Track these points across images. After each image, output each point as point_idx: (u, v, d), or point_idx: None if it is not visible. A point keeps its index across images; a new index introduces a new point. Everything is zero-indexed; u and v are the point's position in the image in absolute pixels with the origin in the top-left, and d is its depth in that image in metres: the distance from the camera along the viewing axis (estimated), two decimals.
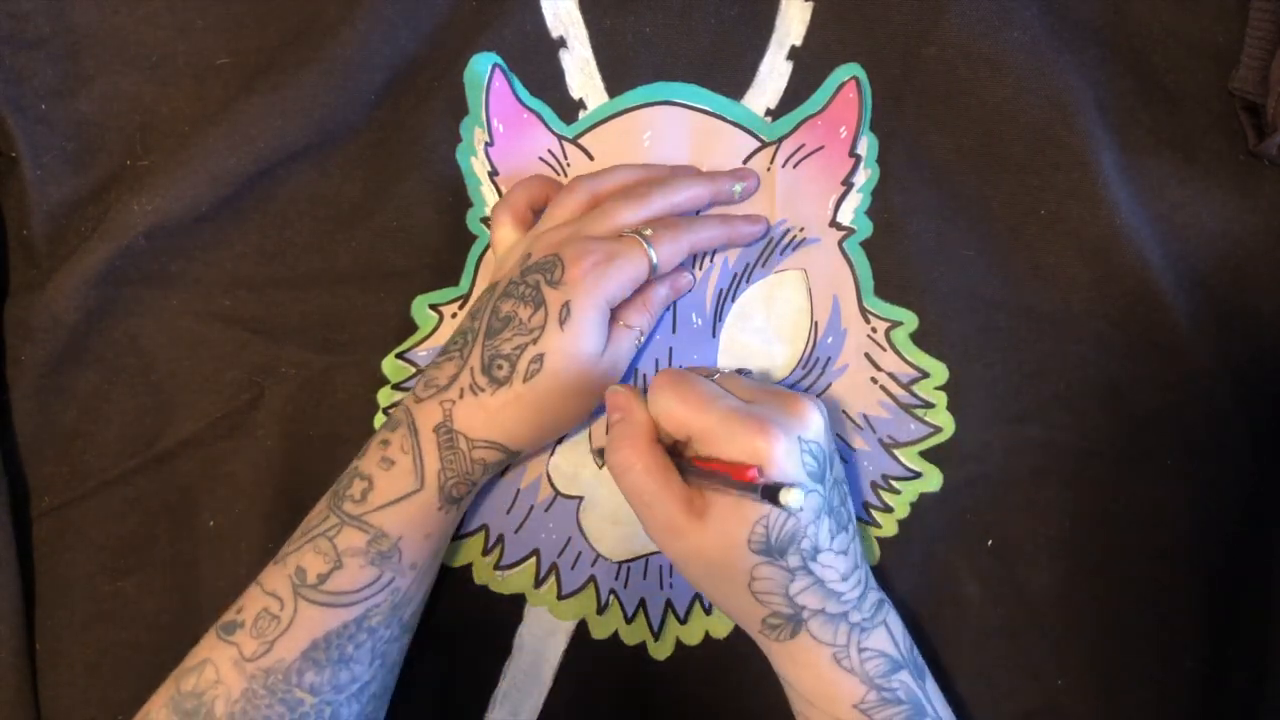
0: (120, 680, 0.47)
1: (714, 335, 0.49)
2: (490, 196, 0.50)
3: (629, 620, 0.49)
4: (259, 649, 0.40)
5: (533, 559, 0.49)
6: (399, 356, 0.49)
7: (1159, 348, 0.49)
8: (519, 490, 0.49)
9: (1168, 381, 0.49)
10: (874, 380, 0.49)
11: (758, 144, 0.50)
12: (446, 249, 0.49)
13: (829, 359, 0.49)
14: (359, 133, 0.49)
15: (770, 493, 0.38)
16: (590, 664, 0.48)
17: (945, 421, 0.49)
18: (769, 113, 0.50)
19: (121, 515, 0.48)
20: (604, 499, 0.49)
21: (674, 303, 0.49)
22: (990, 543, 0.49)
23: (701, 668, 0.48)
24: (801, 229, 0.50)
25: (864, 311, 0.49)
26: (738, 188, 0.49)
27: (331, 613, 0.41)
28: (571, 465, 0.49)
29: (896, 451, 0.49)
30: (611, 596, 0.49)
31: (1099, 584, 0.49)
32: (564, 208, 0.47)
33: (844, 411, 0.49)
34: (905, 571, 0.49)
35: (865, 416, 0.49)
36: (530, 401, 0.43)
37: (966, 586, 0.49)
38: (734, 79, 0.50)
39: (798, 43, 0.50)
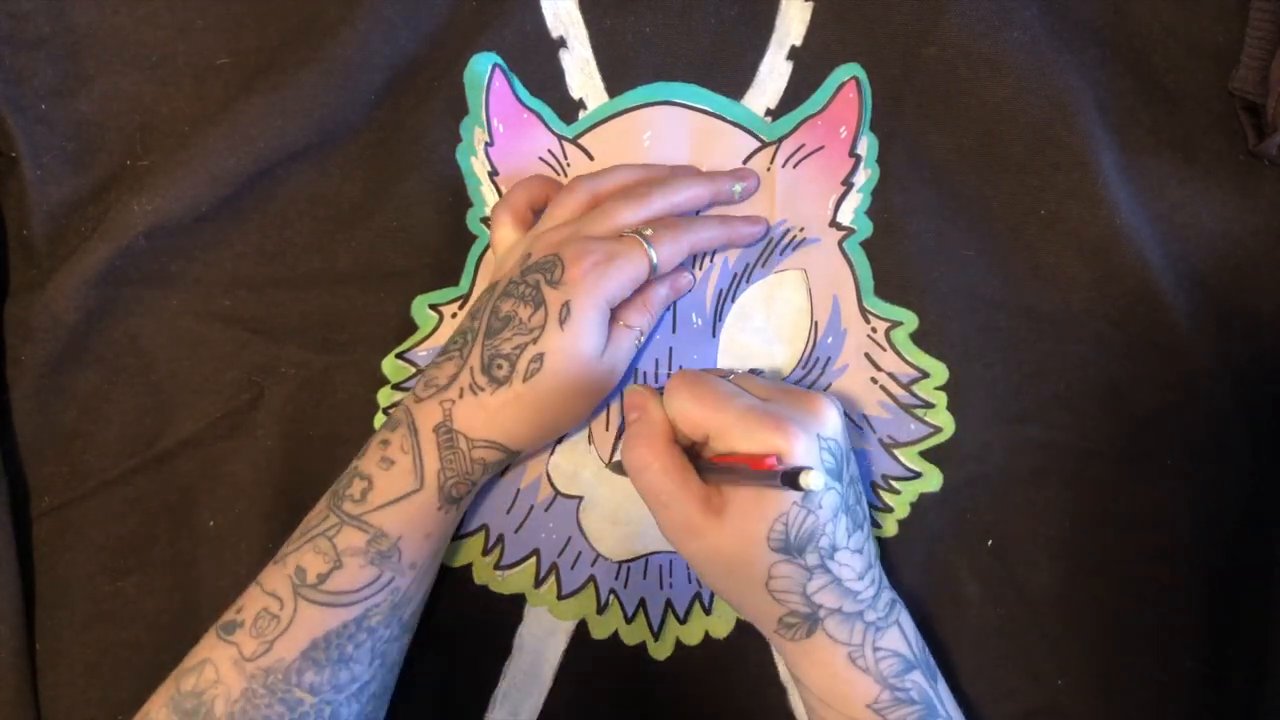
0: (120, 680, 0.47)
1: (714, 335, 0.49)
2: (490, 196, 0.50)
3: (629, 620, 0.49)
4: (259, 649, 0.40)
5: (533, 559, 0.49)
6: (399, 356, 0.49)
7: (1159, 348, 0.49)
8: (519, 490, 0.49)
9: (1168, 381, 0.49)
10: (874, 380, 0.49)
11: (758, 144, 0.50)
12: (446, 249, 0.49)
13: (829, 359, 0.49)
14: (359, 133, 0.49)
15: (790, 478, 0.37)
16: (590, 664, 0.48)
17: (945, 421, 0.49)
18: (769, 113, 0.50)
19: (121, 515, 0.48)
20: (604, 499, 0.49)
21: (674, 303, 0.49)
22: (990, 543, 0.49)
23: (701, 668, 0.48)
24: (801, 229, 0.50)
25: (864, 311, 0.49)
26: (738, 188, 0.49)
27: (331, 612, 0.41)
28: (571, 465, 0.49)
29: (896, 451, 0.49)
30: (611, 596, 0.49)
31: (1099, 584, 0.49)
32: (564, 208, 0.47)
33: (844, 411, 0.49)
34: (905, 571, 0.49)
35: (865, 416, 0.49)
36: (530, 401, 0.43)
37: (966, 586, 0.49)
38: (734, 79, 0.50)
39: (798, 43, 0.50)
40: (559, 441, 0.49)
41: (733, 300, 0.49)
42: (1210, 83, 0.50)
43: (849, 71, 0.50)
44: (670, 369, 0.49)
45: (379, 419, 0.49)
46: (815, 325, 0.50)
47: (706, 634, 0.49)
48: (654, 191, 0.47)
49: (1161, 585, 0.49)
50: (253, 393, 0.49)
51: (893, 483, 0.49)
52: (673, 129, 0.50)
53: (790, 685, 0.48)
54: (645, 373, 0.49)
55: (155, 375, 0.48)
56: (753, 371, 0.47)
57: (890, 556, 0.49)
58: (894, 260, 0.49)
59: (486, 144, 0.50)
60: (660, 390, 0.45)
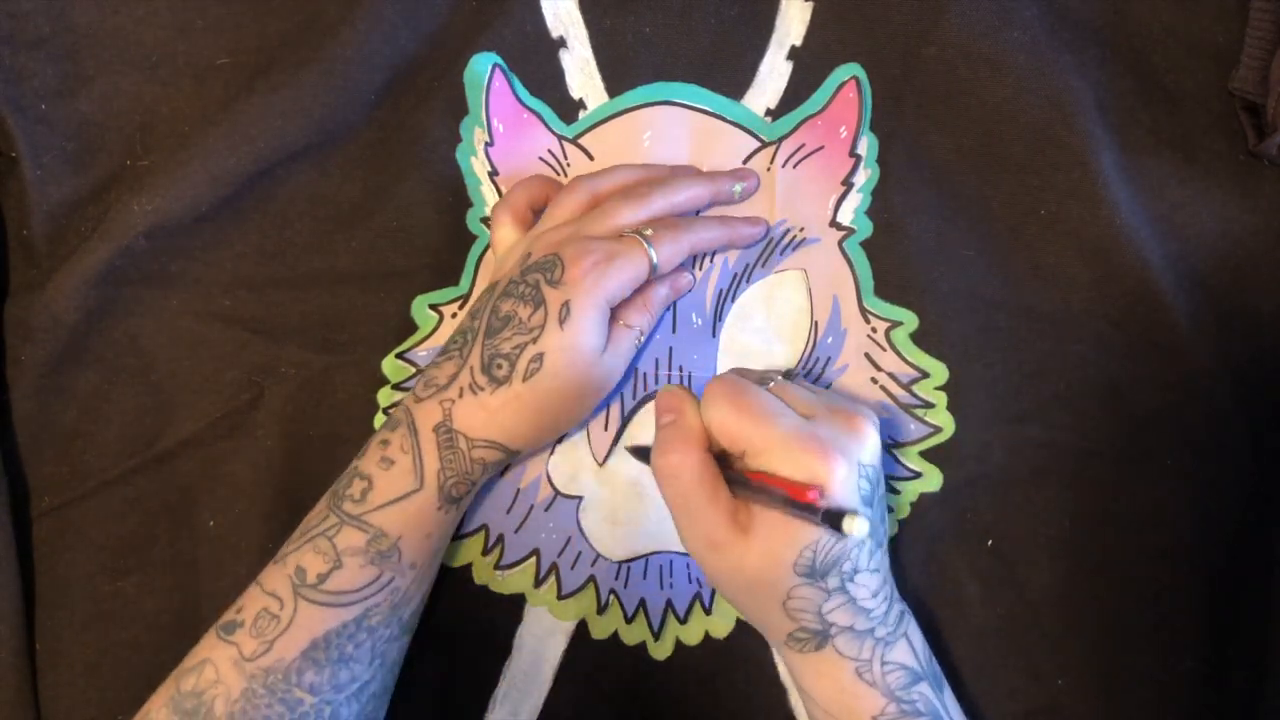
0: (120, 680, 0.47)
1: (714, 335, 0.49)
2: (490, 196, 0.50)
3: (629, 620, 0.49)
4: (259, 648, 0.40)
5: (533, 559, 0.49)
6: (399, 356, 0.49)
7: (1159, 348, 0.49)
8: (519, 490, 0.49)
9: (1168, 381, 0.49)
10: (874, 380, 0.49)
11: (758, 144, 0.50)
12: (446, 249, 0.49)
13: (829, 359, 0.49)
14: (359, 133, 0.49)
15: (832, 518, 0.37)
16: (590, 664, 0.48)
17: (945, 421, 0.49)
18: (769, 113, 0.50)
19: (121, 515, 0.48)
20: (604, 499, 0.49)
21: (674, 303, 0.49)
22: (990, 543, 0.49)
23: (701, 668, 0.48)
24: (801, 229, 0.50)
25: (864, 311, 0.49)
26: (738, 188, 0.49)
27: (331, 612, 0.41)
28: (571, 465, 0.49)
29: (896, 452, 0.49)
30: (611, 596, 0.49)
31: (1099, 584, 0.49)
32: (564, 208, 0.47)
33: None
34: (905, 571, 0.49)
35: None
36: (530, 401, 0.43)
37: (966, 586, 0.49)
38: (734, 79, 0.50)
39: (798, 43, 0.50)
40: (559, 441, 0.49)
41: (733, 300, 0.49)
42: (1210, 83, 0.50)
43: (849, 71, 0.50)
44: (670, 369, 0.49)
45: (379, 419, 0.49)
46: (815, 325, 0.50)
47: (706, 634, 0.49)
48: (654, 191, 0.47)
49: (1161, 585, 0.49)
50: (253, 393, 0.49)
51: (893, 483, 0.49)
52: (673, 129, 0.50)
53: (790, 685, 0.48)
54: (645, 373, 0.49)
55: (155, 375, 0.48)
56: (788, 374, 0.46)
57: (890, 556, 0.49)
58: (894, 260, 0.49)
59: (486, 144, 0.50)
60: (685, 391, 0.45)
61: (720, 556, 0.41)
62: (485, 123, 0.49)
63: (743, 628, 0.49)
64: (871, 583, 0.41)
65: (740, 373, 0.46)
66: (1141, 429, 0.49)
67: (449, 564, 0.48)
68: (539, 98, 0.50)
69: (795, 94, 0.50)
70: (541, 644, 0.48)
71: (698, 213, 0.49)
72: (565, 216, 0.46)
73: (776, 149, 0.50)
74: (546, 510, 0.49)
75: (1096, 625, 0.48)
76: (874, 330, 0.49)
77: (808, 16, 0.50)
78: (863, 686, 0.41)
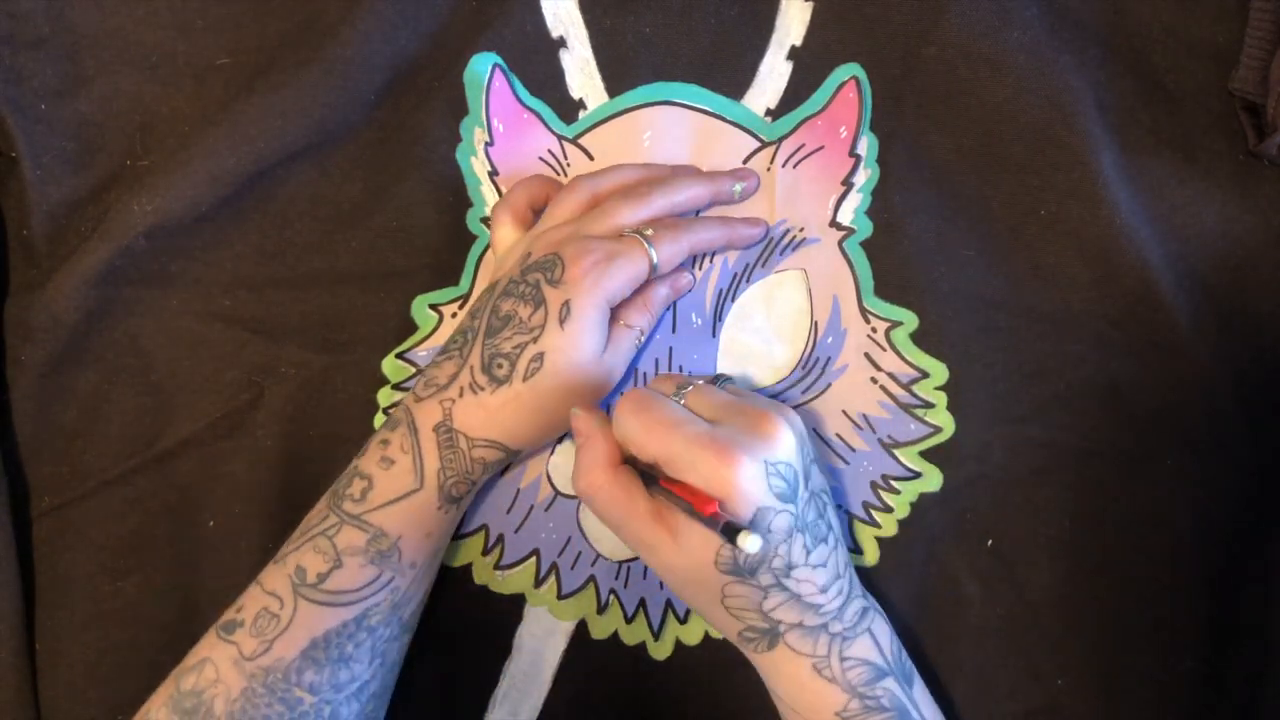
0: (120, 680, 0.47)
1: (714, 335, 0.49)
2: (490, 196, 0.50)
3: (629, 620, 0.49)
4: (258, 648, 0.40)
5: (533, 559, 0.49)
6: (399, 356, 0.49)
7: (1159, 348, 0.49)
8: (519, 490, 0.49)
9: (1168, 381, 0.49)
10: (874, 380, 0.49)
11: (758, 144, 0.50)
12: (446, 249, 0.49)
13: (829, 359, 0.49)
14: (359, 133, 0.49)
15: (730, 531, 0.37)
16: (590, 664, 0.48)
17: (945, 421, 0.49)
18: (769, 113, 0.50)
19: (121, 515, 0.48)
20: None
21: (674, 303, 0.49)
22: (990, 543, 0.49)
23: (701, 668, 0.48)
24: (801, 229, 0.50)
25: (864, 311, 0.49)
26: (738, 188, 0.49)
27: (331, 612, 0.41)
28: (571, 465, 0.48)
29: (896, 451, 0.49)
30: (611, 596, 0.49)
31: (1099, 584, 0.49)
32: (564, 207, 0.47)
33: (844, 411, 0.49)
34: (905, 571, 0.49)
35: (865, 416, 0.49)
36: (530, 400, 0.43)
37: (966, 586, 0.49)
38: (734, 79, 0.50)
39: (798, 43, 0.50)
40: (559, 441, 0.49)
41: (733, 300, 0.49)
42: (1210, 83, 0.50)
43: (849, 71, 0.50)
44: (670, 369, 0.49)
45: (379, 419, 0.49)
46: (815, 325, 0.50)
47: (706, 634, 0.49)
48: (654, 191, 0.47)
49: (1161, 585, 0.49)
50: (253, 393, 0.49)
51: (893, 483, 0.49)
52: (673, 129, 0.50)
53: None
54: (645, 373, 0.49)
55: (155, 375, 0.48)
56: (718, 379, 0.46)
57: (890, 556, 0.49)
58: (894, 260, 0.49)
59: (486, 144, 0.50)
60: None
61: (654, 557, 0.41)
62: (485, 123, 0.49)
63: None
64: (817, 578, 0.41)
65: (660, 380, 0.46)
66: (1141, 429, 0.49)
67: (449, 564, 0.48)
68: (539, 98, 0.50)
69: (795, 94, 0.50)
70: (541, 644, 0.48)
71: (698, 213, 0.49)
72: (565, 216, 0.46)
73: (776, 149, 0.50)
74: (546, 510, 0.49)
75: (1096, 625, 0.48)
76: (874, 330, 0.49)
77: (808, 16, 0.50)
78: (821, 683, 0.41)
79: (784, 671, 0.42)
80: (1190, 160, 0.50)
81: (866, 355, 0.49)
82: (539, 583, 0.49)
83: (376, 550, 0.42)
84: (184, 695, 0.40)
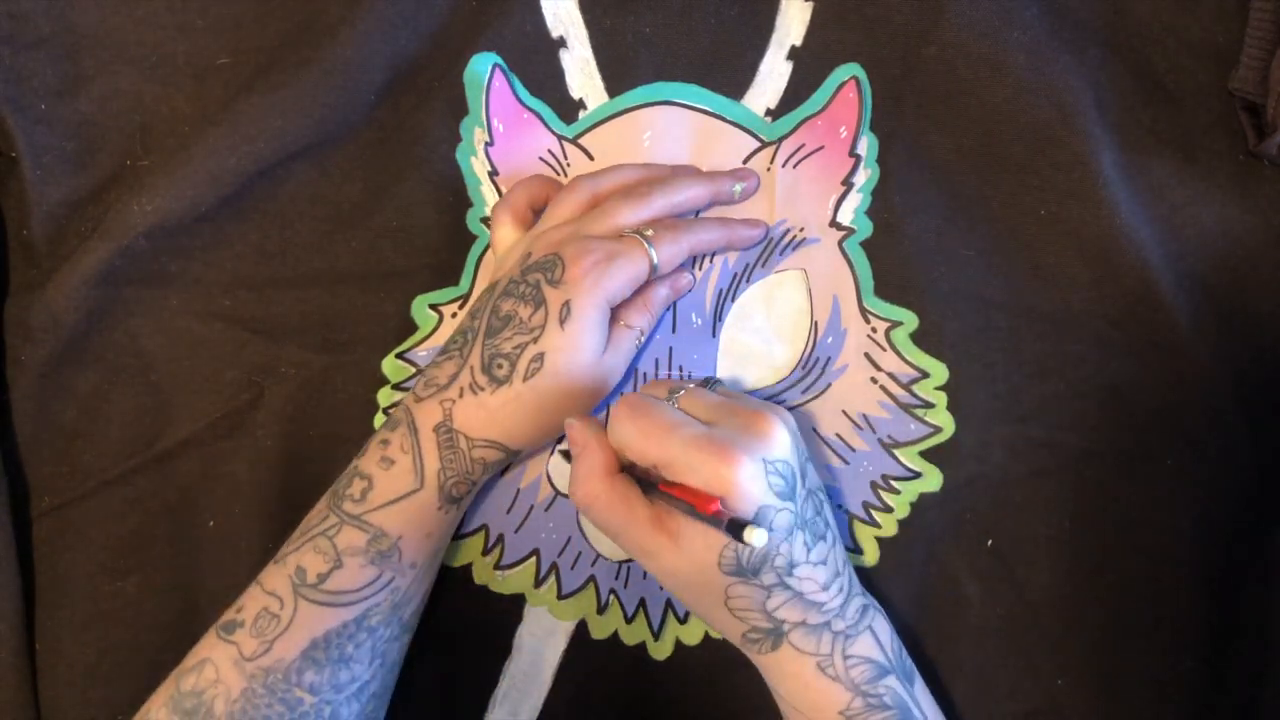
0: (120, 680, 0.47)
1: (714, 335, 0.49)
2: (490, 196, 0.50)
3: (629, 620, 0.49)
4: (259, 648, 0.40)
5: (533, 559, 0.49)
6: (399, 356, 0.49)
7: (1159, 348, 0.49)
8: (519, 490, 0.49)
9: (1168, 381, 0.49)
10: (874, 380, 0.49)
11: (758, 144, 0.50)
12: (446, 249, 0.49)
13: (829, 359, 0.49)
14: (359, 133, 0.49)
15: (735, 528, 0.37)
16: (590, 664, 0.48)
17: (945, 421, 0.49)
18: (769, 113, 0.50)
19: (121, 515, 0.48)
20: None
21: (674, 303, 0.49)
22: (990, 543, 0.49)
23: (701, 668, 0.48)
24: (801, 229, 0.50)
25: (864, 311, 0.49)
26: (738, 188, 0.49)
27: (331, 612, 0.41)
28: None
29: (896, 451, 0.49)
30: (611, 596, 0.49)
31: (1099, 584, 0.49)
32: (564, 207, 0.47)
33: (844, 411, 0.49)
34: (905, 571, 0.49)
35: (865, 416, 0.49)
36: (530, 401, 0.43)
37: (966, 586, 0.49)
38: (734, 79, 0.50)
39: (798, 43, 0.50)
40: (559, 441, 0.49)
41: (733, 300, 0.49)
42: (1210, 83, 0.50)
43: (849, 71, 0.50)
44: (670, 369, 0.49)
45: (379, 419, 0.49)
46: (815, 325, 0.50)
47: (706, 634, 0.49)
48: (654, 191, 0.47)
49: (1161, 585, 0.49)
50: (253, 393, 0.49)
51: (893, 482, 0.49)
52: (673, 129, 0.50)
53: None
54: (645, 373, 0.49)
55: (155, 375, 0.48)
56: (706, 382, 0.46)
57: (890, 556, 0.49)
58: (894, 260, 0.49)
59: (486, 144, 0.50)
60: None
61: (655, 563, 0.41)
62: (485, 123, 0.49)
63: None
64: (818, 576, 0.41)
65: (652, 386, 0.46)
66: (1141, 429, 0.49)
67: (449, 564, 0.48)
68: (539, 98, 0.50)
69: (795, 94, 0.50)
70: (541, 644, 0.48)
71: (698, 213, 0.49)
72: (565, 216, 0.46)
73: (776, 149, 0.50)
74: (546, 510, 0.49)
75: (1096, 625, 0.49)
76: (874, 330, 0.49)
77: (808, 16, 0.50)
78: (826, 681, 0.41)
79: (788, 671, 0.42)
80: (1190, 160, 0.50)
81: (866, 355, 0.49)
82: (539, 583, 0.49)
83: (377, 550, 0.42)
84: (184, 695, 0.40)
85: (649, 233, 0.45)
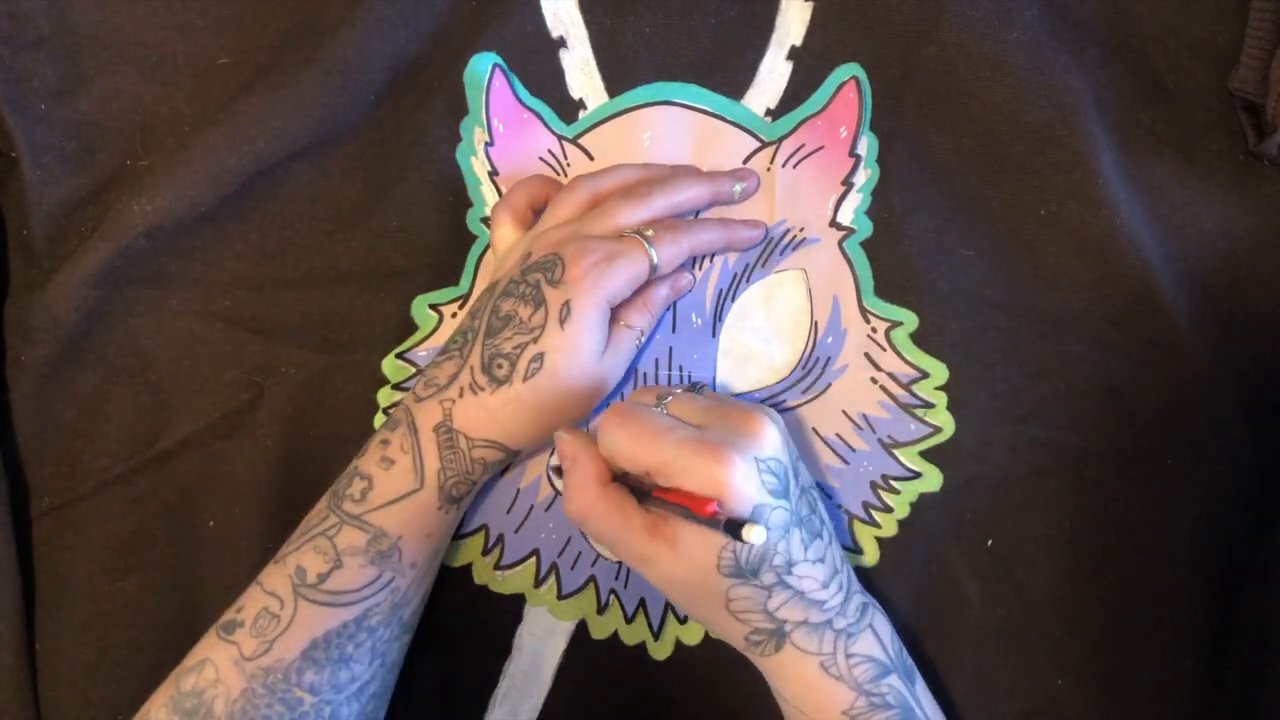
0: (120, 680, 0.47)
1: (714, 335, 0.49)
2: (490, 196, 0.50)
3: (629, 620, 0.49)
4: (259, 648, 0.40)
5: (533, 559, 0.49)
6: (399, 356, 0.49)
7: (1159, 348, 0.49)
8: (519, 490, 0.49)
9: (1168, 381, 0.49)
10: (874, 380, 0.49)
11: (758, 144, 0.50)
12: (446, 249, 0.49)
13: (829, 359, 0.49)
14: (359, 133, 0.49)
15: (733, 528, 0.37)
16: (590, 664, 0.48)
17: (945, 421, 0.49)
18: (769, 113, 0.50)
19: (121, 515, 0.48)
20: None
21: (674, 303, 0.49)
22: (990, 543, 0.49)
23: (701, 668, 0.48)
24: (801, 229, 0.50)
25: (864, 311, 0.49)
26: (738, 188, 0.49)
27: (331, 612, 0.41)
28: None
29: (896, 451, 0.49)
30: (611, 596, 0.49)
31: (1099, 584, 0.49)
32: (564, 207, 0.47)
33: (844, 411, 0.49)
34: (905, 571, 0.49)
35: (865, 416, 0.49)
36: (530, 401, 0.43)
37: (966, 586, 0.49)
38: (734, 79, 0.50)
39: (798, 43, 0.50)
40: (552, 453, 0.49)
41: (733, 300, 0.49)
42: (1210, 83, 0.50)
43: (849, 71, 0.50)
44: (670, 369, 0.49)
45: (379, 419, 0.49)
46: (815, 325, 0.50)
47: (706, 634, 0.49)
48: (655, 191, 0.47)
49: (1161, 585, 0.49)
50: (253, 393, 0.49)
51: (893, 482, 0.49)
52: (673, 129, 0.50)
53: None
54: (645, 373, 0.49)
55: (155, 375, 0.48)
56: (693, 386, 0.46)
57: (890, 556, 0.49)
58: (894, 260, 0.49)
59: (486, 144, 0.50)
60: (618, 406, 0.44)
61: (654, 571, 0.41)
62: (485, 123, 0.49)
63: None
64: (817, 573, 0.41)
65: (639, 394, 0.46)
66: (1141, 429, 0.49)
67: (449, 564, 0.48)
68: (539, 98, 0.50)
69: (795, 94, 0.50)
70: (541, 644, 0.48)
71: (697, 213, 0.49)
72: (565, 216, 0.46)
73: (776, 149, 0.50)
74: (547, 510, 0.49)
75: (1096, 625, 0.48)
76: (874, 330, 0.49)
77: (808, 16, 0.50)
78: (829, 681, 0.41)
79: (791, 672, 0.42)
80: (1190, 160, 0.50)
81: (866, 355, 0.49)
82: (539, 583, 0.49)
83: (377, 550, 0.42)
84: (184, 695, 0.40)
85: (649, 233, 0.45)
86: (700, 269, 0.49)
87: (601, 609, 0.49)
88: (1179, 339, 0.49)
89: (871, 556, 0.49)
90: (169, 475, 0.48)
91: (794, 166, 0.50)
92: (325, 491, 0.44)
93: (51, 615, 0.47)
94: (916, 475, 0.49)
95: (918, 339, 0.49)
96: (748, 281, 0.50)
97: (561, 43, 0.50)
